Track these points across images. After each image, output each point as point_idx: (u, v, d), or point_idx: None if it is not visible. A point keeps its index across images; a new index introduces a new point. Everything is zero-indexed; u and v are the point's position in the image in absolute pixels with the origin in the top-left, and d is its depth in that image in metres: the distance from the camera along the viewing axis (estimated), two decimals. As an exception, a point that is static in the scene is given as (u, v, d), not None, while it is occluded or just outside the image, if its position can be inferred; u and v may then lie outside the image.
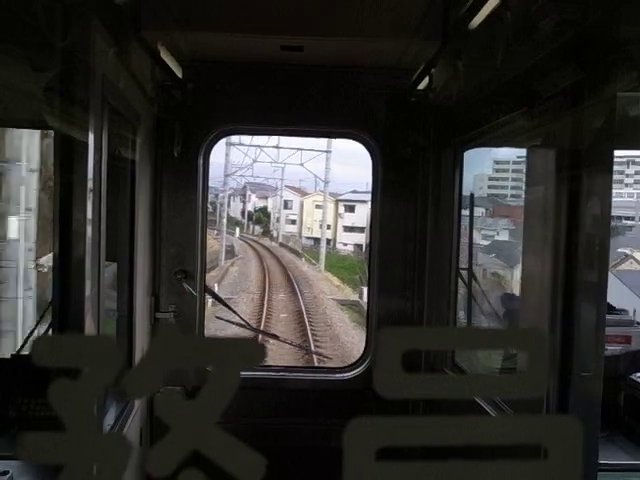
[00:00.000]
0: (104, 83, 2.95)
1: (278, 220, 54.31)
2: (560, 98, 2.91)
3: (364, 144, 5.16)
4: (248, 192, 57.99)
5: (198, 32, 4.37)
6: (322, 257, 37.08)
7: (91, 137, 2.73)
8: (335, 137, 5.85)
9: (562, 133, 2.98)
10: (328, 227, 43.96)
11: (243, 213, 59.04)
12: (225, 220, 42.23)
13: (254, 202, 59.70)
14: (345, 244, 44.66)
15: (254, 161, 41.53)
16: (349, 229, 44.97)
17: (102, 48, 2.99)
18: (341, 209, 46.82)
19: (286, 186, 53.33)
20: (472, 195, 4.92)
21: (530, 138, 3.47)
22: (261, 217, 58.02)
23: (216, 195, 42.29)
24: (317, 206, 49.12)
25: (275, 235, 53.26)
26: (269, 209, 58.61)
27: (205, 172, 5.09)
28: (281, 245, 48.09)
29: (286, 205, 54.52)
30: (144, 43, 3.77)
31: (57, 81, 2.75)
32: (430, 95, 4.65)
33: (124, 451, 0.97)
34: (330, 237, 44.21)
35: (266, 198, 58.72)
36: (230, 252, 39.17)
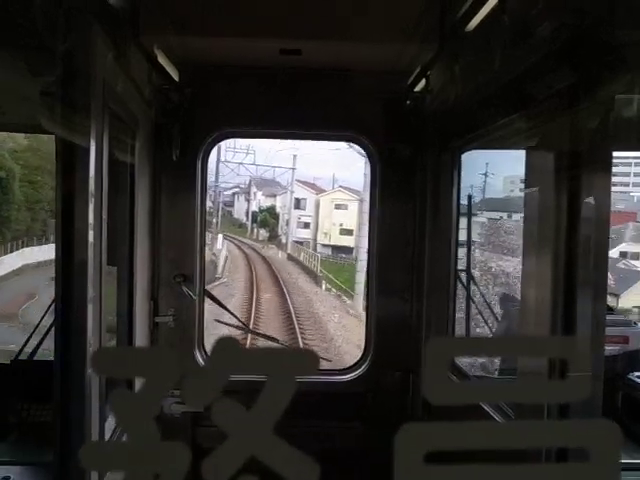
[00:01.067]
0: (104, 87, 2.96)
1: (288, 223, 43.12)
2: (556, 100, 2.94)
3: (362, 147, 5.19)
4: (253, 189, 48.41)
5: (196, 36, 4.39)
6: (360, 287, 20.38)
7: (92, 141, 2.74)
8: (334, 140, 5.88)
9: (559, 135, 3.00)
10: (349, 232, 34.42)
11: (247, 214, 49.93)
12: (214, 221, 34.90)
13: (259, 201, 49.80)
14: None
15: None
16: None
17: (102, 52, 3.00)
18: (366, 209, 34.46)
19: (298, 181, 41.87)
20: (470, 197, 4.95)
21: (527, 140, 3.50)
22: (267, 219, 47.89)
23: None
24: (337, 206, 40.42)
25: (284, 241, 42.12)
26: (277, 209, 48.28)
27: (203, 175, 5.11)
28: (289, 258, 36.60)
29: (298, 204, 42.94)
30: (142, 47, 3.78)
31: (57, 85, 2.75)
32: (427, 98, 4.68)
33: (183, 459, 0.99)
34: (352, 244, 34.57)
35: (274, 196, 48.54)
36: (212, 270, 26.61)
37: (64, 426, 2.72)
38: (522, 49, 3.13)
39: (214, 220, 38.00)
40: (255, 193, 49.23)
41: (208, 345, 5.24)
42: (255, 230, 48.53)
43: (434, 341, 1.01)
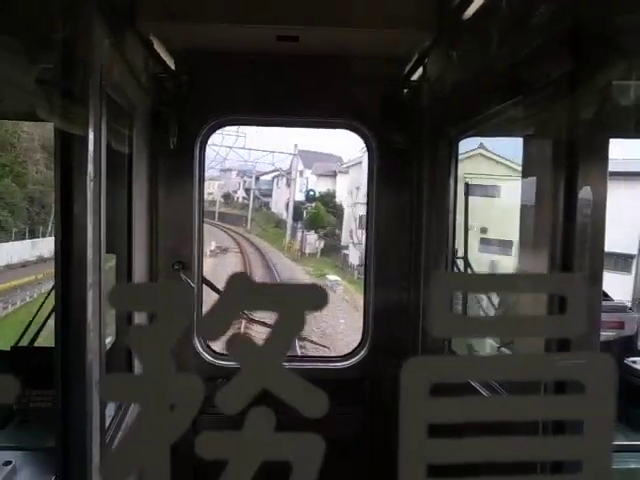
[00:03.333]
0: (102, 74, 2.96)
1: (361, 221, 21.65)
2: (553, 87, 2.95)
3: (359, 134, 5.18)
4: (298, 165, 27.93)
5: (192, 23, 4.37)
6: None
7: (91, 129, 2.74)
8: (331, 127, 5.88)
9: (556, 122, 3.01)
10: (506, 245, 10.44)
11: (288, 206, 28.97)
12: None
13: (307, 182, 28.19)
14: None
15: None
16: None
17: (100, 39, 2.99)
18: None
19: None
20: (467, 184, 4.96)
21: (525, 127, 3.51)
22: (320, 214, 26.75)
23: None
24: (477, 189, 11.08)
25: (355, 261, 21.88)
26: (337, 198, 27.25)
27: (201, 163, 5.11)
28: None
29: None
30: (139, 34, 3.78)
31: (55, 73, 2.75)
32: (424, 85, 4.67)
33: (197, 391, 1.02)
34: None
35: (333, 176, 27.56)
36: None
37: (65, 411, 2.76)
38: (520, 36, 3.13)
39: (247, 216, 24.65)
40: (301, 172, 28.37)
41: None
42: (299, 234, 26.51)
43: (436, 275, 1.10)
